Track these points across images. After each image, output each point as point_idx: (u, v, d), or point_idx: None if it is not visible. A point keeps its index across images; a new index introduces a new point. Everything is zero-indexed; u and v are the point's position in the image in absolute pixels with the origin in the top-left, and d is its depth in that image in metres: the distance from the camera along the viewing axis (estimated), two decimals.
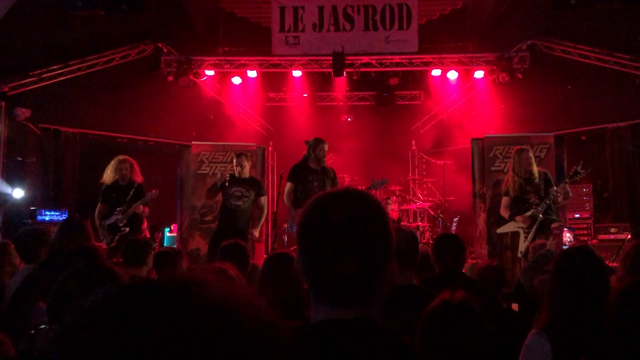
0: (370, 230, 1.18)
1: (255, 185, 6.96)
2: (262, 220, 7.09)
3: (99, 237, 6.70)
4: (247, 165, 6.87)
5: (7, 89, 9.11)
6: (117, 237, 6.42)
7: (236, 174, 6.79)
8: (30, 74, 9.31)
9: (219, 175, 6.88)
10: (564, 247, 4.49)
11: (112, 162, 6.73)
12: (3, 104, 9.03)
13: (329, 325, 1.14)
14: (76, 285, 1.82)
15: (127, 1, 7.89)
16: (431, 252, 3.76)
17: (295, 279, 3.00)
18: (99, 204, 6.72)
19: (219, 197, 6.97)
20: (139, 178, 6.73)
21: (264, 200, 7.03)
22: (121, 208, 6.54)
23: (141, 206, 6.54)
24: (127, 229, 6.47)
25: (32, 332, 1.91)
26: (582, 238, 8.59)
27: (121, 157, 6.79)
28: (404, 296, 2.64)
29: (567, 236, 6.84)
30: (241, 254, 3.80)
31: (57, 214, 8.77)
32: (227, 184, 6.69)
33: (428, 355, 1.89)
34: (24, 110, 9.23)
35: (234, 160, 6.93)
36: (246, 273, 3.62)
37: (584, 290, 2.25)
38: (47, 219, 8.60)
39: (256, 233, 6.96)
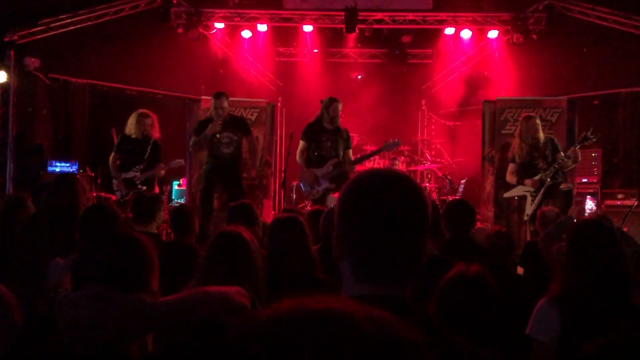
0: (419, 216, 1.22)
1: (239, 125, 6.69)
2: (257, 161, 6.90)
3: (112, 188, 6.80)
4: (226, 107, 6.59)
5: (16, 37, 9.01)
6: (131, 193, 6.45)
7: (214, 117, 6.47)
8: (39, 22, 9.19)
9: (209, 128, 6.46)
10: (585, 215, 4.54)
11: (134, 115, 6.66)
12: (12, 52, 8.95)
13: (362, 301, 1.18)
14: (101, 252, 1.84)
15: None
16: (442, 218, 3.80)
17: (305, 242, 3.03)
18: (113, 153, 6.69)
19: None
20: (156, 134, 6.70)
21: (251, 139, 6.76)
22: (141, 166, 6.53)
23: (162, 170, 6.63)
24: (145, 187, 6.51)
25: (52, 294, 1.95)
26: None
27: (142, 110, 6.75)
28: (424, 266, 2.68)
29: (589, 204, 6.93)
30: (250, 216, 3.80)
31: (67, 165, 8.83)
32: (217, 135, 6.47)
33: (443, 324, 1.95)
34: (33, 59, 9.14)
35: (213, 102, 6.54)
36: (257, 236, 3.64)
37: (598, 263, 2.29)
38: (57, 170, 8.66)
39: (254, 173, 6.91)
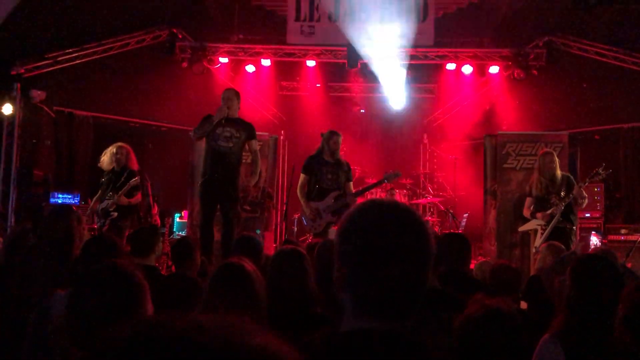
0: (420, 248, 1.21)
1: (245, 126, 6.28)
2: (259, 169, 6.37)
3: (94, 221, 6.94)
4: (236, 103, 6.28)
5: (22, 71, 9.15)
6: (107, 221, 6.56)
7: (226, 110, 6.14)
8: (46, 56, 9.34)
9: (216, 113, 6.15)
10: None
11: (109, 148, 6.87)
12: (19, 85, 9.07)
13: (363, 335, 1.16)
14: (85, 286, 1.83)
15: None
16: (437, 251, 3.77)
17: (305, 276, 3.01)
18: (99, 191, 6.90)
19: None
20: (134, 165, 6.84)
21: (255, 144, 6.34)
22: (111, 193, 6.65)
23: (123, 197, 6.58)
24: (116, 213, 6.56)
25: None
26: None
27: (118, 143, 6.92)
28: (432, 299, 2.64)
29: (594, 240, 6.96)
30: (255, 249, 3.80)
31: (69, 196, 8.85)
32: (223, 121, 6.11)
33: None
34: (39, 92, 9.28)
35: (222, 96, 6.29)
36: (260, 266, 3.62)
37: (602, 298, 2.26)
38: (59, 201, 8.68)
39: (253, 183, 6.33)
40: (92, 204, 6.89)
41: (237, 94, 6.36)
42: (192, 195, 9.50)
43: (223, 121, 6.11)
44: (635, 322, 2.00)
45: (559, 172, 6.58)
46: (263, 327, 2.17)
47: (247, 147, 6.27)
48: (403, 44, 10.23)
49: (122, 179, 6.67)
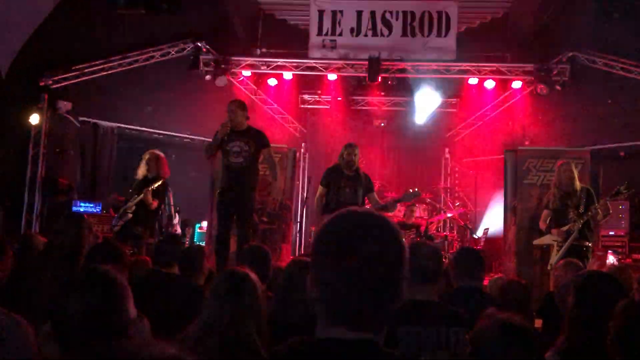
0: (393, 259, 1.20)
1: (254, 136, 6.11)
2: (277, 172, 6.34)
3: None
4: (240, 115, 6.07)
5: (50, 82, 9.39)
6: (120, 222, 6.58)
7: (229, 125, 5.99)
8: (73, 68, 9.58)
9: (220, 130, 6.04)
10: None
11: (142, 157, 6.94)
12: (46, 96, 9.32)
13: (332, 344, 1.16)
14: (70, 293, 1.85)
15: (167, 1, 8.03)
16: (450, 267, 3.74)
17: None
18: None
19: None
20: (165, 172, 6.83)
21: (268, 152, 6.21)
22: (136, 196, 6.62)
23: (149, 194, 6.52)
24: (130, 215, 6.53)
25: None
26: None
27: (151, 150, 7.00)
28: (421, 312, 2.61)
29: (611, 259, 6.76)
30: (262, 260, 3.77)
31: (92, 205, 9.01)
32: (225, 137, 5.99)
33: None
34: (65, 103, 9.52)
35: (227, 109, 6.10)
36: (267, 279, 3.60)
37: (604, 317, 2.21)
38: (81, 209, 8.84)
39: (275, 189, 6.40)
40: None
41: (240, 105, 6.20)
42: (212, 206, 9.60)
43: (230, 135, 6.01)
44: (626, 340, 1.95)
45: (577, 184, 6.31)
46: (262, 338, 2.16)
47: (261, 156, 6.18)
48: (425, 58, 10.23)
49: (156, 186, 6.65)
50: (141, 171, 6.83)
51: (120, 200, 6.99)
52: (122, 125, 10.19)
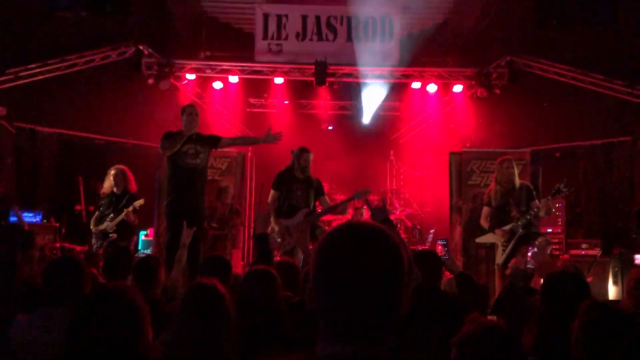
0: (395, 271, 1.21)
1: (206, 139, 6.25)
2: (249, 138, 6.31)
3: (90, 242, 7.02)
4: (197, 120, 6.21)
5: None
6: (104, 243, 6.60)
7: (185, 125, 6.11)
8: (8, 71, 9.15)
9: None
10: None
11: (109, 172, 7.03)
12: None
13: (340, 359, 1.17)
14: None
15: (111, 3, 7.81)
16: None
17: (275, 297, 3.01)
18: (96, 212, 7.08)
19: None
20: (133, 187, 6.98)
21: (225, 141, 6.37)
22: (112, 215, 6.77)
23: (131, 214, 6.73)
24: (115, 235, 6.61)
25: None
26: (554, 252, 8.77)
27: (116, 166, 7.07)
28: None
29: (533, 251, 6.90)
30: (224, 269, 3.75)
31: (31, 215, 8.63)
32: (193, 137, 6.11)
33: None
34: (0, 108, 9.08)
35: (189, 111, 6.21)
36: (229, 286, 3.59)
37: (572, 315, 2.31)
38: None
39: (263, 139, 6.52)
40: (91, 225, 7.01)
41: (196, 110, 6.39)
42: (159, 213, 9.40)
43: (193, 137, 6.12)
44: (588, 341, 2.05)
45: (517, 181, 6.41)
46: (234, 348, 2.15)
47: (221, 149, 6.47)
48: (369, 62, 10.38)
49: (124, 201, 6.82)
50: (107, 186, 6.96)
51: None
52: (62, 131, 9.80)
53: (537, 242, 6.21)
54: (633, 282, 3.06)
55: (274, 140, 6.46)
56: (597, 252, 8.11)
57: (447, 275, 7.70)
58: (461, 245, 8.57)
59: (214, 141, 6.29)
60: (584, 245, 8.75)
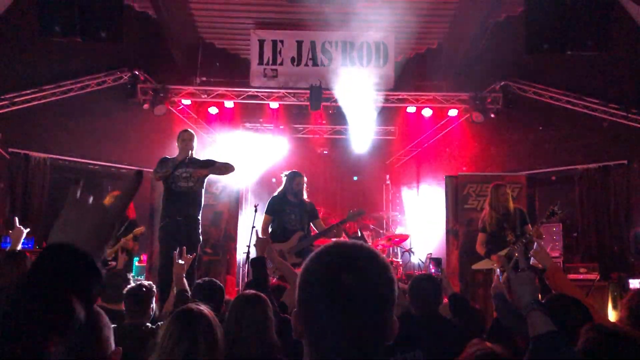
0: (382, 293, 1.16)
1: (202, 163, 6.23)
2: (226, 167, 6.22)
3: None
4: (194, 144, 6.25)
5: None
6: (104, 271, 6.51)
7: (179, 150, 6.15)
8: (2, 97, 9.14)
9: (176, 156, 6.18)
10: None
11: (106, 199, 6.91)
12: None
13: None
14: None
15: (106, 29, 7.83)
16: (408, 294, 3.75)
17: (266, 322, 2.93)
18: None
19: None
20: (132, 214, 6.99)
21: (218, 164, 6.22)
22: (111, 242, 6.59)
23: (130, 242, 6.70)
24: (115, 263, 6.45)
25: None
26: None
27: (113, 193, 7.10)
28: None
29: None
30: (216, 294, 3.69)
31: (24, 241, 8.51)
32: (186, 161, 6.12)
33: None
34: None
35: (184, 137, 6.23)
36: (220, 313, 3.51)
37: (573, 338, 2.25)
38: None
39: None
40: None
41: (194, 135, 6.40)
42: (152, 238, 9.30)
43: (179, 164, 6.09)
44: None
45: (512, 205, 6.40)
46: None
47: (214, 177, 6.43)
48: (365, 87, 10.41)
49: (122, 229, 6.81)
50: None
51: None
52: (56, 157, 9.75)
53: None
54: (629, 296, 3.02)
55: None
56: (595, 276, 8.04)
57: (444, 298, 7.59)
58: (458, 269, 8.49)
59: (207, 164, 6.24)
60: (582, 270, 8.67)
